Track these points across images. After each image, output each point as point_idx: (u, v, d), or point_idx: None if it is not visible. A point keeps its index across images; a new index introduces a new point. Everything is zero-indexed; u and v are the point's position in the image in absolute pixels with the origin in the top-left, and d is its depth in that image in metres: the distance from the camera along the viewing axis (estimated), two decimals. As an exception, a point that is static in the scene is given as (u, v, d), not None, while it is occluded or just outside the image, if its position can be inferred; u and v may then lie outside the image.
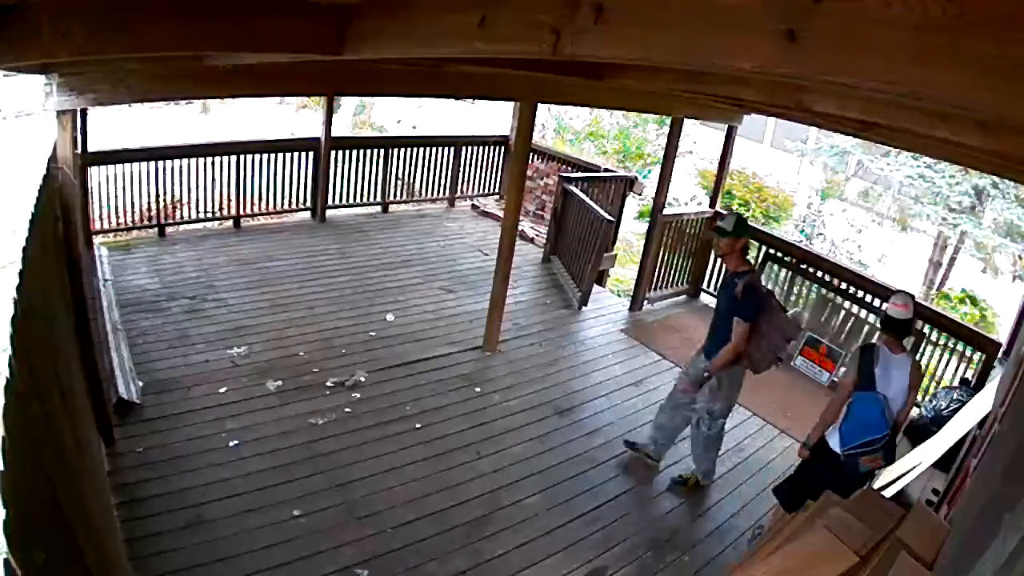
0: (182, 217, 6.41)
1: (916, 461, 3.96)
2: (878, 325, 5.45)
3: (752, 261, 3.59)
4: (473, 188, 8.23)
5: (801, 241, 10.77)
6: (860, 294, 5.70)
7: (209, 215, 6.45)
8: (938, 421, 4.65)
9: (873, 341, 3.21)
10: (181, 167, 6.08)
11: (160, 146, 6.21)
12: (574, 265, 6.49)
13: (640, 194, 9.08)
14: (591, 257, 6.13)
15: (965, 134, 2.17)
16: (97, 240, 5.64)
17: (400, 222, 7.36)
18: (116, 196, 5.80)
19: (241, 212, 6.53)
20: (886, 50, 1.03)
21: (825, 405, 3.41)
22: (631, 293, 6.51)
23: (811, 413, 4.99)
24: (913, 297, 3.31)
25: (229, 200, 6.47)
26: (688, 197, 13.21)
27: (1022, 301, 5.52)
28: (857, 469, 3.20)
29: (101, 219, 5.79)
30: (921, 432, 4.78)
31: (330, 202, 7.07)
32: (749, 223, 3.57)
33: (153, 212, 6.09)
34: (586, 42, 1.47)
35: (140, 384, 3.97)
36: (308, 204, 7.00)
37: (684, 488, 3.98)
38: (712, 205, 6.64)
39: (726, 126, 6.21)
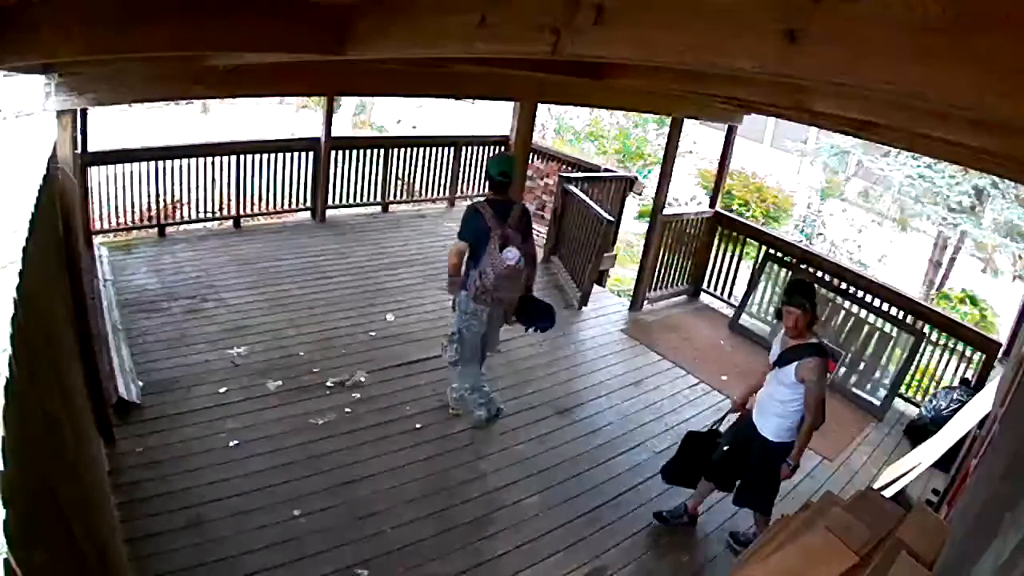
0: (182, 217, 6.40)
1: (916, 461, 3.97)
2: (876, 323, 5.48)
3: (500, 196, 3.88)
4: (473, 188, 8.22)
5: (801, 241, 10.78)
6: (860, 294, 5.70)
7: (209, 215, 6.45)
8: (938, 421, 4.65)
9: (814, 340, 3.19)
10: (181, 167, 6.07)
11: (160, 146, 6.19)
12: (574, 265, 6.49)
13: (640, 194, 9.10)
14: (591, 257, 6.13)
15: (964, 134, 2.17)
16: (97, 240, 5.64)
17: (400, 222, 7.36)
18: (116, 196, 5.79)
19: (241, 212, 6.52)
20: (886, 50, 1.03)
21: (821, 412, 3.42)
22: (631, 293, 6.51)
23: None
24: None
25: (229, 200, 6.46)
26: (688, 197, 13.21)
27: (1022, 301, 5.52)
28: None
29: (101, 219, 5.79)
30: (921, 432, 4.79)
31: (330, 202, 7.06)
32: (505, 168, 3.91)
33: (153, 212, 6.09)
34: (586, 42, 1.47)
35: (140, 384, 3.97)
36: (308, 204, 6.99)
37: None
38: (712, 205, 6.64)
39: (726, 126, 6.21)
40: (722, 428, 3.62)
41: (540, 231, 7.65)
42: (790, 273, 6.10)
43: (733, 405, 3.62)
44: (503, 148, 8.16)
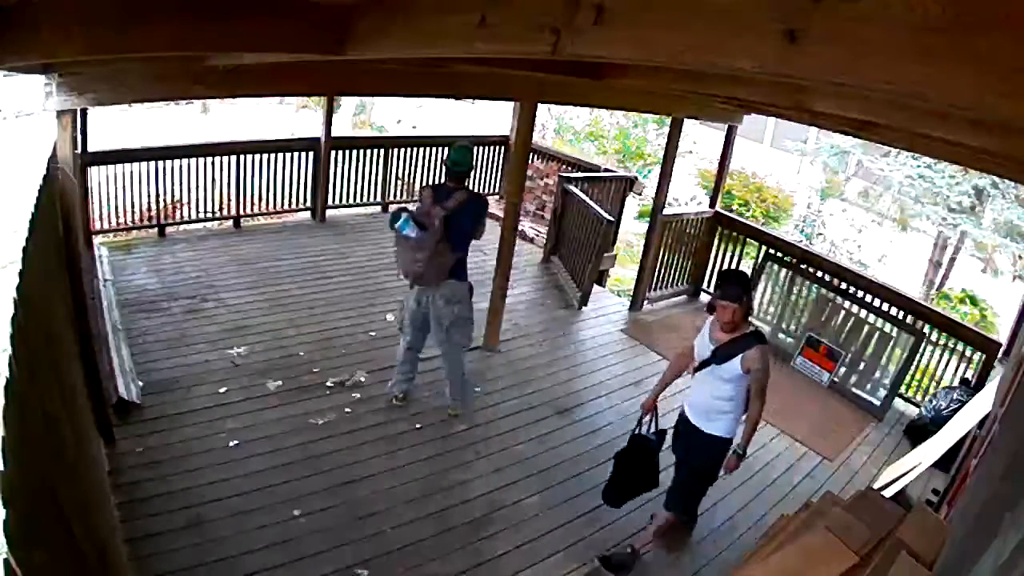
0: (182, 217, 6.41)
1: (916, 461, 3.97)
2: (876, 323, 5.47)
3: (451, 183, 3.99)
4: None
5: (801, 241, 10.78)
6: (860, 294, 5.70)
7: (209, 215, 6.45)
8: (938, 421, 4.65)
9: (751, 330, 3.04)
10: (181, 167, 6.08)
11: (160, 146, 6.20)
12: (574, 265, 6.49)
13: (640, 194, 9.09)
14: (591, 257, 6.13)
15: (964, 134, 2.17)
16: (97, 240, 5.64)
17: (400, 222, 7.35)
18: (116, 196, 5.79)
19: (241, 212, 6.53)
20: (886, 50, 1.03)
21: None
22: (631, 293, 6.51)
23: (810, 413, 5.02)
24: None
25: (229, 200, 6.47)
26: (688, 197, 13.22)
27: (1022, 301, 5.52)
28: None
29: (101, 219, 5.79)
30: (921, 432, 4.79)
31: (330, 202, 7.07)
32: (456, 157, 3.97)
33: (153, 212, 6.09)
34: (586, 42, 1.47)
35: (140, 384, 3.97)
36: (308, 204, 7.00)
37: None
38: (712, 205, 6.64)
39: (726, 126, 6.20)
40: (643, 431, 3.39)
41: (540, 231, 7.66)
42: (789, 273, 6.10)
43: (644, 406, 3.40)
44: (503, 147, 8.17)
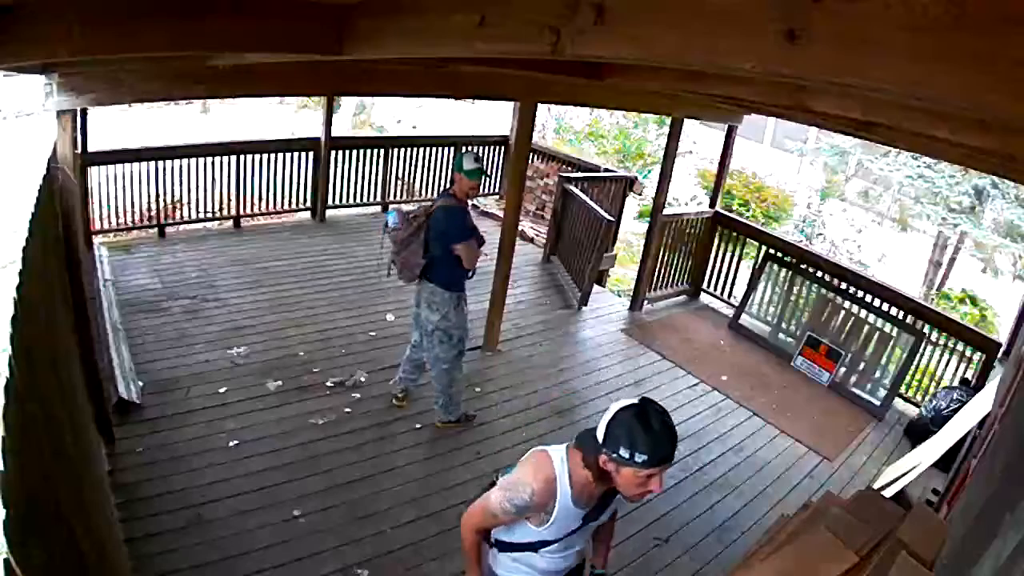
0: (182, 217, 6.41)
1: (916, 461, 3.97)
2: (876, 323, 5.47)
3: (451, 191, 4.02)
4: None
5: (801, 241, 10.78)
6: (860, 294, 5.70)
7: (209, 215, 6.45)
8: (938, 421, 4.66)
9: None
10: (181, 167, 6.08)
11: (160, 146, 6.20)
12: (574, 265, 6.49)
13: (640, 194, 9.11)
14: (591, 257, 6.14)
15: (965, 134, 2.17)
16: (97, 240, 5.64)
17: (400, 222, 7.35)
18: (116, 196, 5.79)
19: (241, 212, 6.53)
20: (886, 50, 1.03)
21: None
22: (631, 293, 6.51)
23: (810, 413, 5.03)
24: None
25: (229, 200, 6.47)
26: (688, 197, 13.22)
27: (1022, 301, 5.52)
28: None
29: (101, 219, 5.79)
30: (921, 432, 4.79)
31: (330, 202, 7.07)
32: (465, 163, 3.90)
33: (153, 212, 6.09)
34: (586, 42, 1.47)
35: (140, 384, 3.97)
36: (308, 204, 7.00)
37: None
38: (712, 205, 6.64)
39: (726, 126, 6.21)
40: None
41: (540, 231, 7.66)
42: (789, 273, 6.10)
43: None
44: (503, 147, 8.17)
